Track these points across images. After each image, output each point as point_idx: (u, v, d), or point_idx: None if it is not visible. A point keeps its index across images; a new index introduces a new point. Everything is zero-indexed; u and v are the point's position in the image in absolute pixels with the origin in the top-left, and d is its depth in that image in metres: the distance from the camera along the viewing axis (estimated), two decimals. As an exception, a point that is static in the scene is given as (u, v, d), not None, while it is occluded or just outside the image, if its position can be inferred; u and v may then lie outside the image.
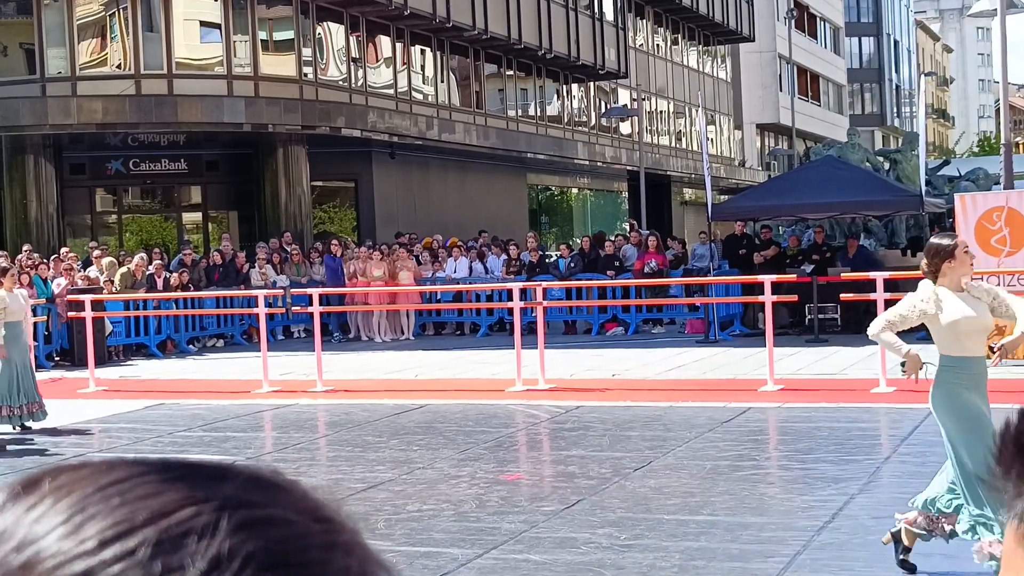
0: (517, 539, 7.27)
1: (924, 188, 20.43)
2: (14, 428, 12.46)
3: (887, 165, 26.50)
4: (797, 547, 6.81)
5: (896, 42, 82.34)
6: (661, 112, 48.48)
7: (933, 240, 6.68)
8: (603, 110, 42.50)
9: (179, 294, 20.99)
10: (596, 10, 39.83)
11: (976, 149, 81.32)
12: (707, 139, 24.25)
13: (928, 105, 19.64)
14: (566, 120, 40.95)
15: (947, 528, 6.30)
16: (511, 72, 37.71)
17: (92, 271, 21.45)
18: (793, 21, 58.56)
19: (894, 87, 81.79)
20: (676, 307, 22.31)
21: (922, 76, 21.99)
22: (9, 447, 11.62)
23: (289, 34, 28.96)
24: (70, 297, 18.82)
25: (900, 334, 6.65)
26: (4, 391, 12.40)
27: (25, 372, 12.56)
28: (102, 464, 0.60)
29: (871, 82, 79.98)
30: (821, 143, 33.05)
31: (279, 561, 0.56)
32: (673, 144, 49.16)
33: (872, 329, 6.69)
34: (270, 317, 20.22)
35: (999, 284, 15.14)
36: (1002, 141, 21.69)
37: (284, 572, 0.56)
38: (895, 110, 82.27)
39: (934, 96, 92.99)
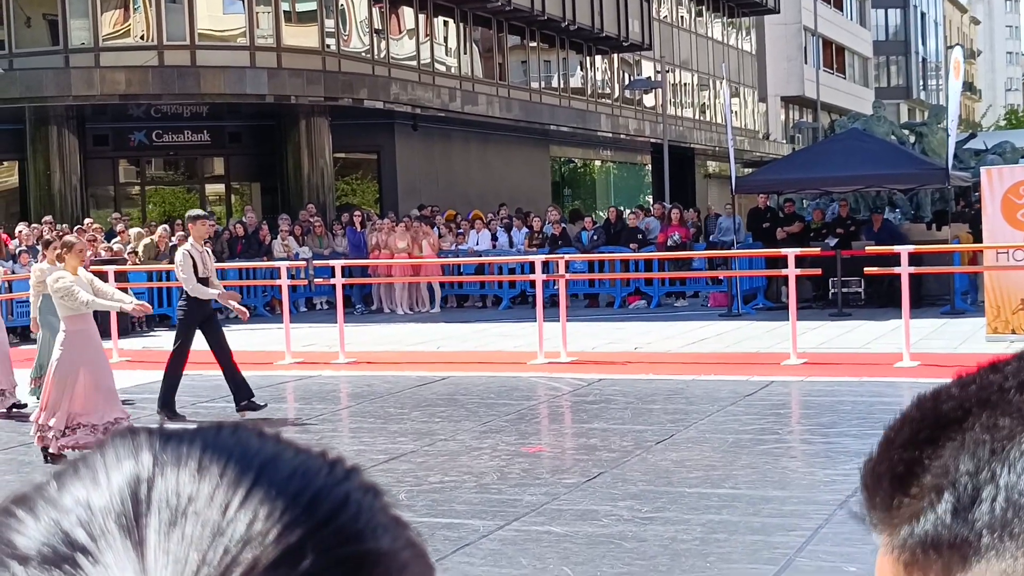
0: (538, 511, 7.28)
1: (951, 161, 20.27)
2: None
3: (912, 138, 26.32)
4: (819, 521, 6.79)
5: (923, 14, 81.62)
6: (685, 84, 48.23)
7: None
8: (627, 82, 42.29)
9: (202, 265, 21.01)
10: (620, -19, 39.61)
11: (1003, 122, 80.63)
12: (731, 112, 24.11)
13: (960, 79, 19.27)
14: (589, 92, 40.78)
15: None
16: (534, 44, 37.56)
17: (116, 243, 21.52)
18: (819, -7, 58.14)
19: (920, 59, 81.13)
20: (699, 280, 22.25)
21: (956, 47, 21.73)
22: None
23: (312, 5, 28.90)
24: (93, 268, 18.86)
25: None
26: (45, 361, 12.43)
27: None
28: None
29: (897, 54, 79.36)
30: (846, 116, 32.83)
31: None
32: (697, 117, 48.92)
33: None
34: (292, 289, 20.27)
35: (1025, 258, 15.03)
36: (1029, 114, 21.46)
37: None
38: (921, 83, 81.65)
39: (963, 69, 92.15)
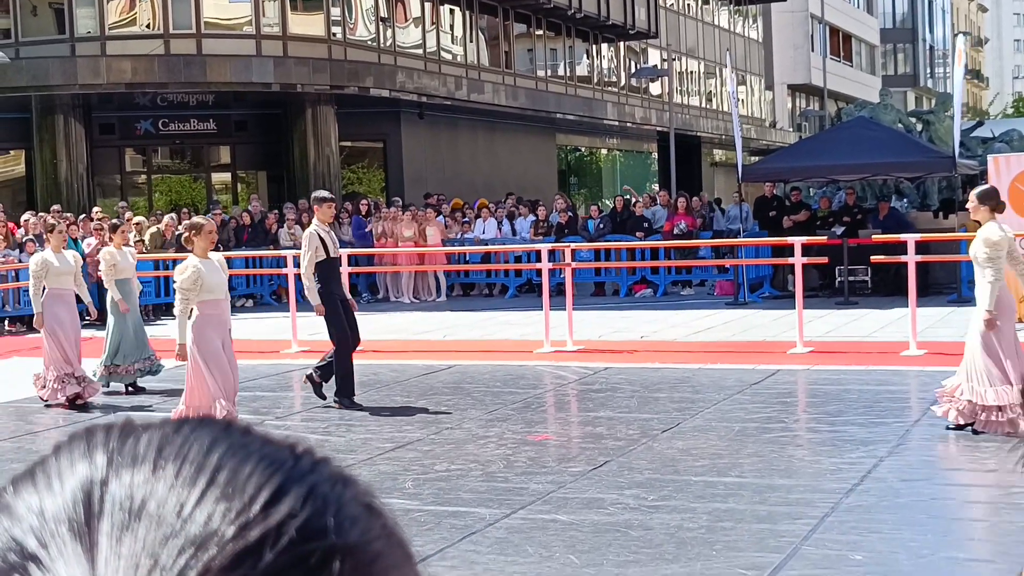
0: (545, 499, 7.29)
1: (957, 149, 20.22)
2: (125, 388, 12.52)
3: (919, 126, 26.24)
4: (825, 509, 6.80)
5: (930, 1, 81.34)
6: (691, 72, 48.14)
7: None
8: (633, 70, 42.22)
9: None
10: (626, -31, 39.52)
11: (1010, 110, 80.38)
12: (737, 100, 24.08)
13: (963, 65, 19.23)
14: (596, 80, 40.72)
15: None
16: (540, 32, 37.49)
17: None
18: (826, -20, 57.92)
19: (927, 47, 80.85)
20: (705, 269, 22.24)
21: (960, 35, 21.65)
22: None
23: (318, -7, 28.87)
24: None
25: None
26: (116, 348, 12.42)
27: (139, 328, 12.63)
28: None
29: (904, 42, 79.10)
30: (853, 104, 32.73)
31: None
32: (703, 105, 48.84)
33: None
34: (299, 277, 20.25)
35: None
36: (1037, 102, 21.39)
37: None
38: (928, 71, 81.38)
39: (968, 56, 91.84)
